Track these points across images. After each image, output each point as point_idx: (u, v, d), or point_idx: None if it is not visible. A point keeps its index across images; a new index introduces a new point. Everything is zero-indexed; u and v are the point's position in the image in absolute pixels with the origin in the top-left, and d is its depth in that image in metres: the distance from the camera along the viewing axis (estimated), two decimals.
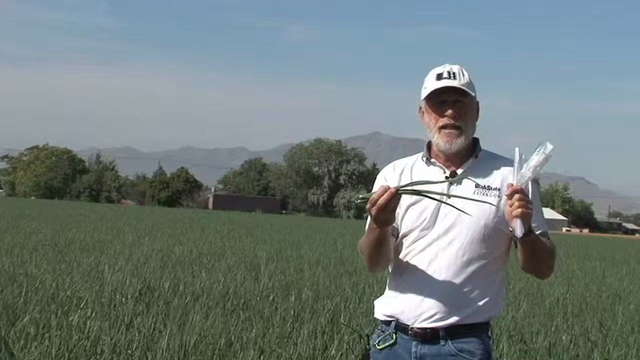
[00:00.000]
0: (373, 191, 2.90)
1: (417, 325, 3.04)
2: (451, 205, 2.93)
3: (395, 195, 2.80)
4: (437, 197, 2.91)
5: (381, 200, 2.78)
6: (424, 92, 3.11)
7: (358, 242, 3.17)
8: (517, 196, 2.79)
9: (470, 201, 2.93)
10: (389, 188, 2.80)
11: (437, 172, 3.12)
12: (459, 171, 3.11)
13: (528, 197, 2.82)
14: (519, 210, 2.77)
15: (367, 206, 2.84)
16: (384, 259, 3.09)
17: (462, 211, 2.92)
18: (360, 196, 2.86)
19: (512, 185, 2.82)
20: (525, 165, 2.82)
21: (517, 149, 2.85)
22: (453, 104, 3.06)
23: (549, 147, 2.79)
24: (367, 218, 3.15)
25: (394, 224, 3.00)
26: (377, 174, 3.30)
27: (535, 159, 2.80)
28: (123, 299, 9.02)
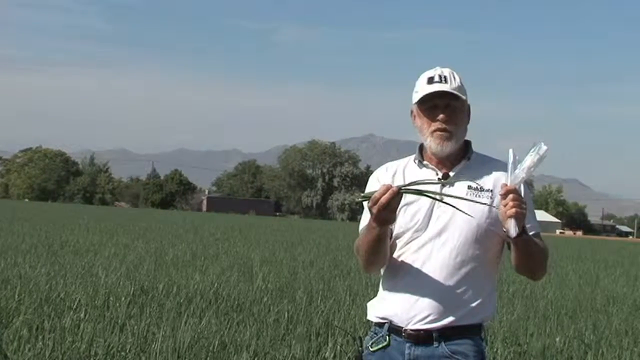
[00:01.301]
0: (367, 191, 2.92)
1: (410, 327, 3.04)
2: (451, 205, 2.93)
3: (397, 194, 2.80)
4: (438, 197, 2.92)
5: (383, 199, 2.78)
6: (416, 97, 3.12)
7: (354, 243, 3.17)
8: (511, 196, 2.79)
9: (466, 202, 2.95)
10: (390, 186, 2.80)
11: (429, 175, 3.13)
12: (452, 173, 3.12)
13: (522, 197, 2.83)
14: (513, 210, 2.78)
15: (369, 204, 2.84)
16: (381, 259, 3.09)
17: (463, 212, 2.93)
18: (362, 195, 2.87)
19: (506, 185, 2.83)
20: (519, 166, 2.83)
21: (511, 150, 2.86)
22: (444, 107, 3.07)
23: (543, 148, 2.79)
24: (360, 220, 3.15)
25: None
26: (371, 176, 3.30)
27: (529, 159, 2.80)
28: (117, 301, 9.01)
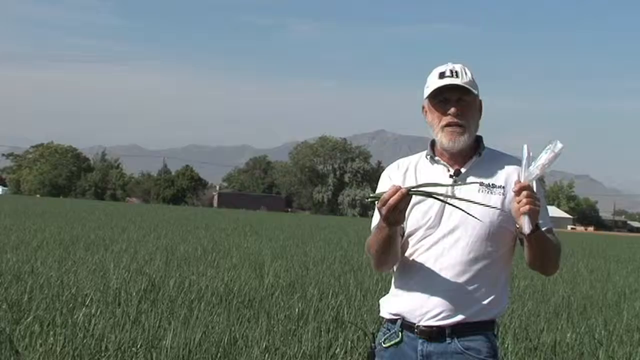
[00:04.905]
0: (378, 191, 2.91)
1: (423, 323, 3.04)
2: (459, 208, 2.91)
3: (406, 196, 2.79)
4: (448, 199, 2.91)
5: (392, 201, 2.78)
6: (427, 91, 3.11)
7: (365, 242, 3.16)
8: (524, 193, 2.78)
9: (476, 203, 2.93)
10: (400, 188, 2.79)
11: (441, 171, 3.12)
12: (463, 169, 3.11)
13: (535, 193, 2.81)
14: (527, 207, 2.77)
15: (378, 206, 2.84)
16: (392, 258, 3.09)
17: (469, 214, 2.91)
18: (371, 195, 2.86)
19: (519, 182, 2.82)
20: (533, 163, 2.80)
21: (525, 146, 2.83)
22: (456, 102, 3.06)
23: (559, 145, 2.76)
24: (372, 217, 3.14)
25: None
26: (382, 172, 3.29)
27: (544, 157, 2.78)
28: (128, 297, 9.03)
